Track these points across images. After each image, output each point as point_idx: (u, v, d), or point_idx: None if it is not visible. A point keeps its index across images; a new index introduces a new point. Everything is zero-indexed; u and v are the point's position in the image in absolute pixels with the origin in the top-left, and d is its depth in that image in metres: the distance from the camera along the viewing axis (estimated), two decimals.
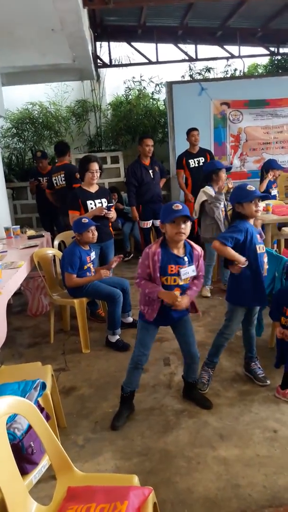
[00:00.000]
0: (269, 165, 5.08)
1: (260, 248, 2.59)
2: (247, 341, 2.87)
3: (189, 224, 2.27)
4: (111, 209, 3.81)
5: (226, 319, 2.74)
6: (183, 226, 2.23)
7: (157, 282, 2.31)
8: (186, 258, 2.34)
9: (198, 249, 2.42)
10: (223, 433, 2.34)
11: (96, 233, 3.46)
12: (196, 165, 5.52)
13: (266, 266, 2.64)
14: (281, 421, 2.40)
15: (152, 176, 5.18)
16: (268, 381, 2.74)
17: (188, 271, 2.33)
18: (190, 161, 5.55)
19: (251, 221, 2.60)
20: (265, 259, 2.63)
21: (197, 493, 1.96)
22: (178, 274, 2.32)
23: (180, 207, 2.22)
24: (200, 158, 5.54)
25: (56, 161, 5.14)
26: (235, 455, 2.17)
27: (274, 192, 5.22)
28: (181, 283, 2.34)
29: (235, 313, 2.69)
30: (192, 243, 2.42)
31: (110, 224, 3.98)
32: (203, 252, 2.53)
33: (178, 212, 2.21)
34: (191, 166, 5.54)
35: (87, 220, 3.41)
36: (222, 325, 2.76)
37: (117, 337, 3.44)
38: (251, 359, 2.86)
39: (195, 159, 5.54)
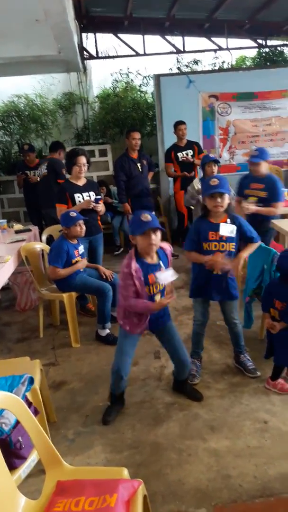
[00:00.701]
0: None
1: (211, 246, 2.53)
2: (232, 338, 2.88)
3: (159, 234, 2.21)
4: (99, 202, 3.77)
5: None
6: (153, 237, 2.18)
7: (145, 298, 2.28)
8: (161, 263, 2.31)
9: (165, 245, 2.38)
10: (214, 424, 2.35)
11: (84, 227, 3.41)
12: (185, 158, 5.49)
13: (220, 266, 2.50)
14: (271, 412, 2.42)
15: (140, 170, 5.13)
16: (258, 372, 2.76)
17: (167, 277, 2.24)
18: (178, 154, 5.52)
19: (216, 216, 2.52)
20: (219, 258, 2.47)
21: (188, 484, 1.96)
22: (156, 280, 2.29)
23: (149, 218, 2.17)
24: (188, 151, 5.51)
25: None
26: (225, 447, 2.18)
27: None
28: (161, 287, 2.33)
29: (194, 301, 2.82)
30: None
31: (99, 217, 3.94)
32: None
33: (148, 224, 2.15)
34: (180, 159, 5.52)
35: (75, 214, 3.37)
36: None
37: (107, 331, 3.43)
38: (240, 352, 2.87)
39: (183, 152, 5.51)
